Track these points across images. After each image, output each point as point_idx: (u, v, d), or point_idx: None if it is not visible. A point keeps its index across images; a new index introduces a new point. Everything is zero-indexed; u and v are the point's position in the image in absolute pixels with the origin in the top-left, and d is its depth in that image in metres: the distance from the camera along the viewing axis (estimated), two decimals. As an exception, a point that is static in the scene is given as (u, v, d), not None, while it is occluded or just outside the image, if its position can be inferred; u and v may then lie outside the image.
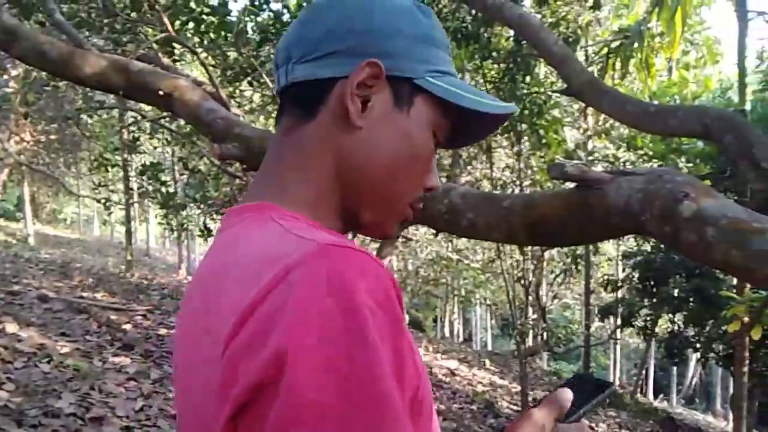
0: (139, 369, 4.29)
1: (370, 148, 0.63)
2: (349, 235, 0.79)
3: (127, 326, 5.58)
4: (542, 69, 6.78)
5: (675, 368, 19.12)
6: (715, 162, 7.95)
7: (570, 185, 2.27)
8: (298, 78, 0.62)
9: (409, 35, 0.63)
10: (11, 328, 4.37)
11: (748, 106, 6.95)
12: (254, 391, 0.47)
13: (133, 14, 5.88)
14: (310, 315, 0.47)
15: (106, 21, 6.06)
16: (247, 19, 6.07)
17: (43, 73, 6.31)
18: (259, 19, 6.20)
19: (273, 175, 0.66)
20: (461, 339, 21.27)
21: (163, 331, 5.67)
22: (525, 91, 5.87)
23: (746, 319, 4.92)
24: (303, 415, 0.45)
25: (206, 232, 8.86)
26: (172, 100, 2.60)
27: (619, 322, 12.04)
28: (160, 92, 2.57)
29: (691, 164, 8.20)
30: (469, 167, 8.46)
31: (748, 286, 5.21)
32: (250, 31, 6.26)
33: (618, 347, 17.64)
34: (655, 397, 18.13)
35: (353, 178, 0.63)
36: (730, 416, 8.36)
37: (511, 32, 5.38)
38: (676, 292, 9.63)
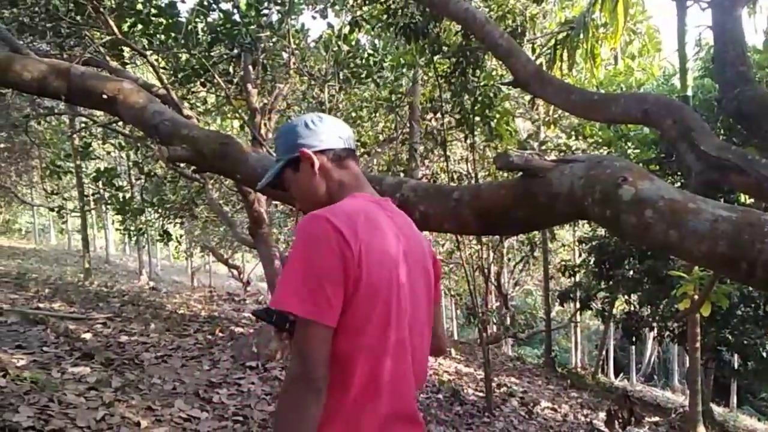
0: (100, 378, 4.21)
1: None
2: None
3: (87, 335, 5.47)
4: (492, 62, 6.91)
5: (633, 347, 19.71)
6: (660, 146, 8.22)
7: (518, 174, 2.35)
8: None
9: None
10: (-37, 343, 4.25)
11: (689, 92, 7.19)
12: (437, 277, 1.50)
13: (78, 18, 5.75)
14: None
15: (49, 25, 5.92)
16: (197, 19, 6.00)
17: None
18: (209, 19, 6.14)
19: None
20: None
21: (124, 338, 5.57)
22: (476, 84, 5.96)
23: (696, 297, 5.12)
24: None
25: (165, 236, 8.75)
26: (117, 104, 2.58)
27: (578, 305, 12.37)
28: (104, 96, 2.55)
29: (638, 150, 8.46)
30: (426, 161, 8.56)
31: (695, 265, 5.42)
32: (200, 32, 6.20)
33: (578, 330, 18.11)
34: (616, 376, 18.66)
35: None
36: (688, 391, 8.70)
37: (460, 27, 5.46)
38: (630, 274, 9.94)
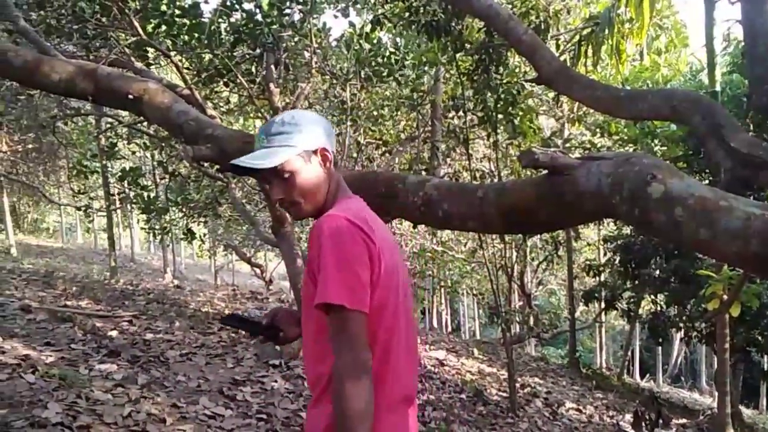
0: (126, 375, 4.27)
1: None
2: None
3: (113, 333, 5.55)
4: (515, 59, 6.84)
5: (660, 348, 19.39)
6: (687, 144, 8.07)
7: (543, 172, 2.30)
8: None
9: None
10: (-6, 340, 4.34)
11: (718, 88, 7.05)
12: None
13: (104, 19, 5.83)
14: None
15: (76, 27, 6.00)
16: (219, 20, 6.04)
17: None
18: (231, 19, 6.18)
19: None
20: (450, 329, 21.39)
21: (149, 336, 5.64)
22: (499, 82, 5.91)
23: (725, 297, 5.00)
24: None
25: (189, 235, 8.83)
26: (142, 104, 2.61)
27: (602, 305, 12.21)
28: (130, 96, 2.57)
29: (665, 147, 8.31)
30: (448, 159, 8.52)
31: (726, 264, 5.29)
32: (223, 32, 6.23)
33: (603, 330, 17.86)
34: (642, 377, 18.39)
35: None
36: (716, 393, 8.52)
37: (483, 23, 5.41)
38: (656, 274, 9.77)
